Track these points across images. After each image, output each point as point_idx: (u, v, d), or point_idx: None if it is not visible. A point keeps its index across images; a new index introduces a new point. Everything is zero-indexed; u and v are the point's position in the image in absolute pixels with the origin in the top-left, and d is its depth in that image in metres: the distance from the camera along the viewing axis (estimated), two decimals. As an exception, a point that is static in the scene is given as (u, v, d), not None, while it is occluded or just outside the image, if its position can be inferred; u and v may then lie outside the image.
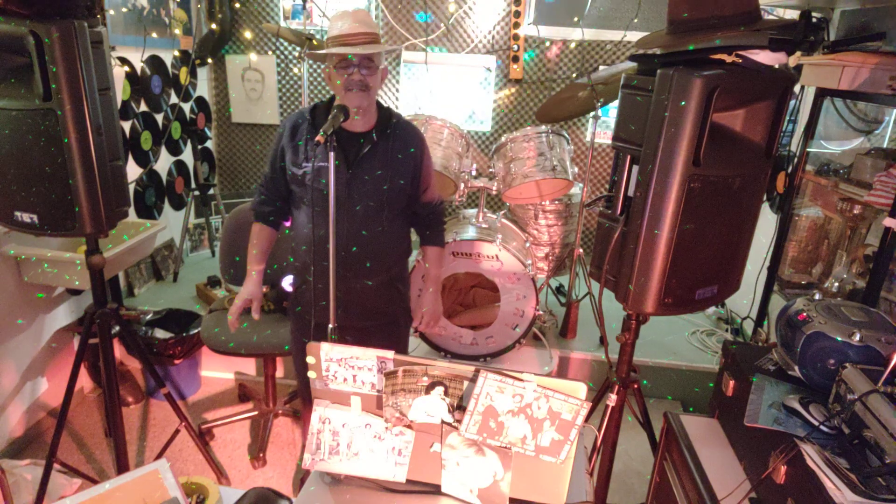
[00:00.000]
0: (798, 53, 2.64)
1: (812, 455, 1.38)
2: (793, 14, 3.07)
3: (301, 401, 2.33)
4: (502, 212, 3.31)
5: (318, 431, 1.33)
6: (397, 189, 1.95)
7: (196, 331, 2.97)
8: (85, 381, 3.07)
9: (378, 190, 1.91)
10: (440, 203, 2.14)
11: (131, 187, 3.39)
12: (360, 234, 1.92)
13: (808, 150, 2.78)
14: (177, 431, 2.42)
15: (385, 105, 1.98)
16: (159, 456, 2.47)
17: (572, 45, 4.12)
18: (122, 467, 2.26)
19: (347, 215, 1.89)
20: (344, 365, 1.28)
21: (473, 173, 3.10)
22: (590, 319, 3.39)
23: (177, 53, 3.85)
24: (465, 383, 1.23)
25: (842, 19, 2.73)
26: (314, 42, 3.41)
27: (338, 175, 1.84)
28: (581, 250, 3.34)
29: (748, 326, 3.33)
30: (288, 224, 2.10)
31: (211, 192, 4.13)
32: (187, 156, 4.08)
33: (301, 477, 2.56)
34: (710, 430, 1.88)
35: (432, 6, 4.12)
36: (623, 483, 2.61)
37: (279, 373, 3.17)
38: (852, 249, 2.55)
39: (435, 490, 1.32)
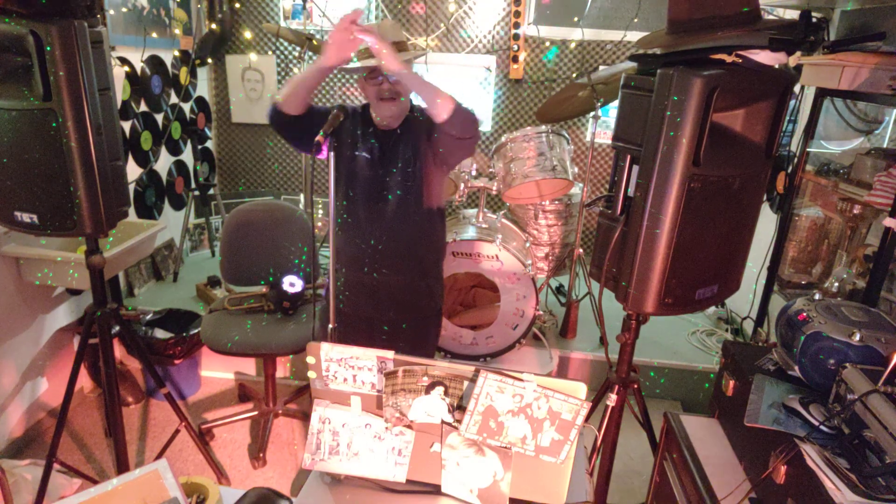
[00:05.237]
0: (798, 53, 2.64)
1: (812, 455, 1.38)
2: (793, 14, 3.07)
3: None
4: (502, 212, 3.31)
5: (318, 431, 1.33)
6: (426, 168, 1.93)
7: (196, 331, 2.97)
8: (85, 381, 3.07)
9: (407, 178, 1.93)
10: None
11: (131, 187, 3.39)
12: (394, 227, 1.94)
13: (808, 150, 2.78)
14: (177, 431, 2.42)
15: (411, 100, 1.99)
16: (159, 456, 2.47)
17: (572, 45, 4.12)
18: (122, 467, 2.25)
19: (381, 208, 1.92)
20: (344, 365, 1.28)
21: (473, 173, 3.10)
22: (590, 319, 3.39)
23: (177, 53, 3.85)
24: (465, 383, 1.23)
25: (842, 19, 2.73)
26: (314, 42, 3.41)
27: (371, 169, 1.93)
28: (581, 250, 3.34)
29: (748, 326, 3.33)
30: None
31: (211, 192, 4.13)
32: (187, 156, 4.07)
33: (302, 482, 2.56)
34: (710, 430, 1.88)
35: (432, 6, 4.12)
36: (623, 483, 2.61)
37: (279, 373, 3.17)
38: (852, 249, 2.55)
39: (435, 490, 1.32)
